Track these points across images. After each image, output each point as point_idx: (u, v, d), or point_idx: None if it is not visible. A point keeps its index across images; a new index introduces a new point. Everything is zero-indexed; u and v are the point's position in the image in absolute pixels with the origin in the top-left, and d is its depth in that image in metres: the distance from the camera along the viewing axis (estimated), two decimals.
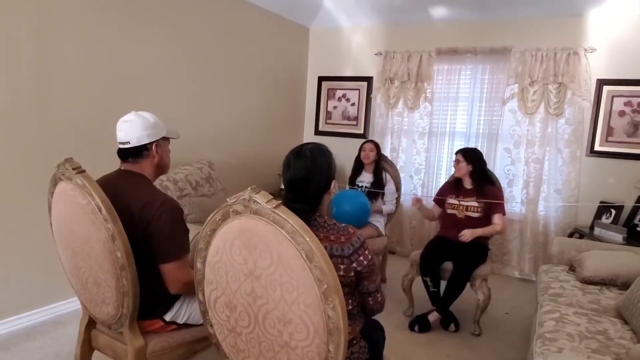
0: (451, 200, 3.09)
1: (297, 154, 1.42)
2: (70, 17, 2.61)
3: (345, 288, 1.38)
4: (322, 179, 1.40)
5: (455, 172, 3.14)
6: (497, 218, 2.97)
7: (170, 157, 1.84)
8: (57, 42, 2.57)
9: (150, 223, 1.56)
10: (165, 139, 1.77)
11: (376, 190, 3.52)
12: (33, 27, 2.45)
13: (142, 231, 1.58)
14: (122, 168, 1.72)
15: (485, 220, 2.98)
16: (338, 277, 1.31)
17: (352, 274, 1.36)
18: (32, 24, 2.45)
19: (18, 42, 2.40)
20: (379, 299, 1.49)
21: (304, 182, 1.39)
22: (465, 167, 3.03)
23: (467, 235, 2.85)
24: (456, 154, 3.12)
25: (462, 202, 3.03)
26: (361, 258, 1.36)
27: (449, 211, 3.08)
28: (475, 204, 2.98)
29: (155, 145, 1.71)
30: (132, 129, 1.66)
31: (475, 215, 2.99)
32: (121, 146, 1.68)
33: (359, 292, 1.46)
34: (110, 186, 1.60)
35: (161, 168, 1.78)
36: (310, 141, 1.52)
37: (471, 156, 3.05)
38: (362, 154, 3.60)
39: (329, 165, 1.43)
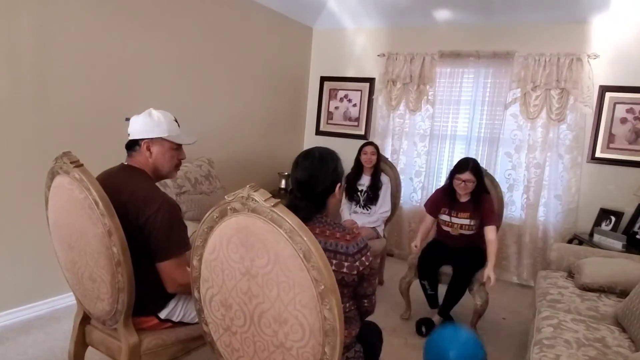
0: (444, 217, 2.95)
1: (306, 154, 1.50)
2: (72, 12, 2.60)
3: (346, 289, 1.40)
4: (327, 179, 1.45)
5: (461, 191, 2.82)
6: (491, 233, 2.77)
7: None
8: (59, 36, 2.56)
9: (148, 220, 1.55)
10: (166, 141, 1.69)
11: (374, 192, 3.49)
12: (34, 20, 2.44)
13: (139, 228, 1.56)
14: (125, 163, 1.72)
15: (478, 234, 2.88)
16: (341, 275, 1.36)
17: (355, 272, 1.38)
18: (33, 17, 2.44)
19: (19, 35, 2.39)
20: (373, 301, 1.55)
21: (309, 181, 1.44)
22: (473, 187, 2.80)
23: (492, 279, 2.61)
24: (461, 172, 2.78)
25: (454, 221, 2.91)
26: (363, 258, 1.40)
27: (444, 228, 2.98)
28: (467, 221, 2.87)
29: (147, 143, 1.67)
30: (135, 122, 1.68)
31: (469, 232, 2.90)
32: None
33: (357, 294, 1.49)
34: (111, 180, 1.62)
35: (158, 170, 1.72)
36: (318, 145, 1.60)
37: (478, 172, 2.82)
38: (364, 157, 3.48)
39: (335, 168, 1.48)
